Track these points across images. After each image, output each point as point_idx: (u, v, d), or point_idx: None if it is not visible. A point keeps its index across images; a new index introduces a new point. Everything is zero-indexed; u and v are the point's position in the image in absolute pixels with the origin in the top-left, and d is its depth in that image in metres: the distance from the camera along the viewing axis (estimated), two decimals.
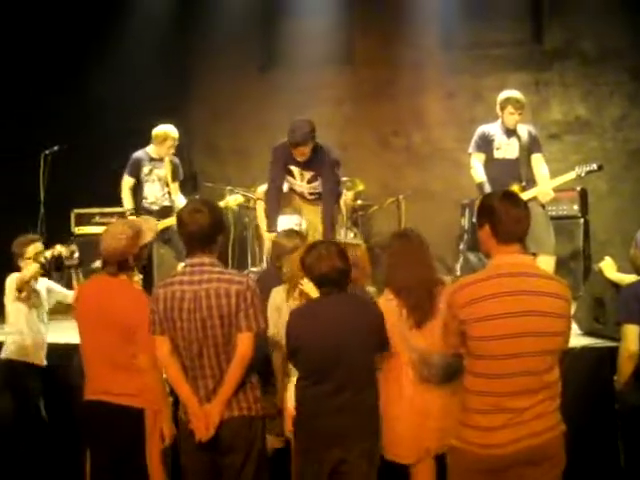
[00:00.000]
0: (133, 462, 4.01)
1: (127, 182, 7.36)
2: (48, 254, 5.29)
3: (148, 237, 4.24)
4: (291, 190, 6.57)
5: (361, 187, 8.05)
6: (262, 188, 6.65)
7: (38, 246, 5.43)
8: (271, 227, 6.41)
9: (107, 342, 4.01)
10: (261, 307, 3.73)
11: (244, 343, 3.65)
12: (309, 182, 6.44)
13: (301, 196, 6.61)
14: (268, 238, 6.38)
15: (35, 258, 5.32)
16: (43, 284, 5.62)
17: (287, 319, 3.96)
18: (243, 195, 7.82)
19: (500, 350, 3.08)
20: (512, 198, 3.31)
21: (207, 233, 3.70)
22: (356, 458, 3.81)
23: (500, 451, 3.09)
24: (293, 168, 6.42)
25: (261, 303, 3.73)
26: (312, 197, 6.56)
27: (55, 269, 5.37)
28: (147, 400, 3.98)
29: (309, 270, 3.93)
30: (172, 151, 7.39)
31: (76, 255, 5.43)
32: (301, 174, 6.44)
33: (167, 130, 7.33)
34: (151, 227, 5.23)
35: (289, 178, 6.49)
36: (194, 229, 3.68)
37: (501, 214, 3.20)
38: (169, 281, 3.76)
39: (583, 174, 6.49)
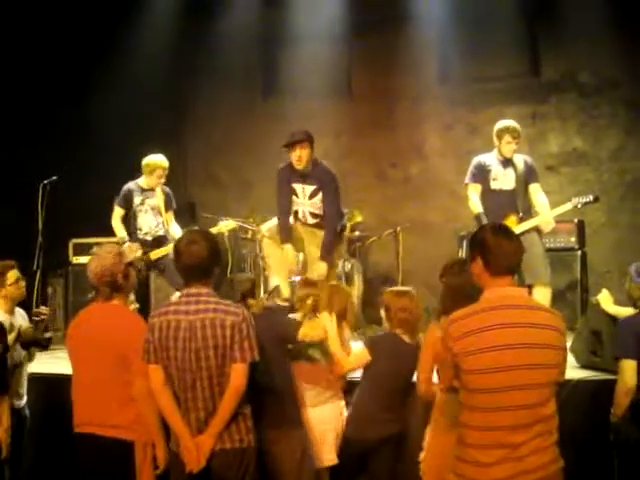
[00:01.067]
0: None
1: (117, 213, 7.34)
2: (10, 337, 5.02)
3: (131, 256, 4.27)
4: (295, 218, 6.61)
5: (359, 218, 8.06)
6: (267, 225, 6.71)
7: (16, 272, 5.31)
8: (284, 240, 6.58)
9: (100, 371, 4.00)
10: (256, 339, 3.73)
11: (238, 374, 3.67)
12: (311, 197, 6.54)
13: (303, 222, 6.66)
14: (285, 250, 6.59)
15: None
16: (19, 317, 5.30)
17: None
18: (240, 225, 7.82)
19: (494, 383, 3.06)
20: (504, 231, 3.31)
21: (204, 265, 3.74)
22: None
23: None
24: (295, 185, 6.56)
25: (255, 335, 3.74)
26: (314, 220, 6.61)
27: (23, 348, 5.16)
28: (137, 432, 3.97)
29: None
30: (162, 181, 7.35)
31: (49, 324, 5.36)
32: (302, 189, 6.55)
33: (156, 160, 7.30)
34: (132, 249, 5.29)
35: (293, 199, 6.60)
36: (191, 261, 3.73)
37: (493, 247, 3.20)
38: (164, 310, 3.79)
39: (579, 205, 6.50)
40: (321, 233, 6.55)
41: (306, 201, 6.57)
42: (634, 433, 4.16)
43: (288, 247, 6.52)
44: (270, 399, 4.13)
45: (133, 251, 4.57)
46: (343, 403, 4.67)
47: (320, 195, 6.51)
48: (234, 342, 3.64)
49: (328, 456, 4.52)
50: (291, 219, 6.70)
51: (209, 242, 3.79)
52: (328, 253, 6.46)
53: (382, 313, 4.69)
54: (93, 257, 4.16)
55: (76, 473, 4.17)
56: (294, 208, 6.64)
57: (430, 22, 9.03)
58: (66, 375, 4.41)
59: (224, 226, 7.37)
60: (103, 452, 3.99)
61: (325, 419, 4.53)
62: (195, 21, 9.53)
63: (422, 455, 4.16)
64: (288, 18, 9.49)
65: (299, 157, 6.43)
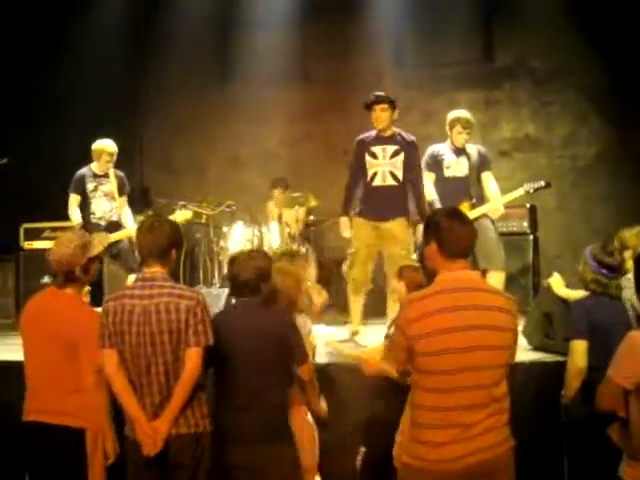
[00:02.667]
0: None
1: (73, 200, 7.26)
2: None
3: (96, 250, 4.20)
4: (372, 181, 6.46)
5: (314, 203, 8.03)
6: None
7: None
8: (344, 212, 6.62)
9: (50, 358, 3.94)
10: (210, 323, 3.75)
11: (192, 359, 3.68)
12: (392, 157, 6.41)
13: (376, 191, 6.46)
14: (341, 221, 6.65)
15: None
16: None
17: None
18: (195, 210, 7.77)
19: (448, 365, 3.10)
20: (458, 215, 3.36)
21: (164, 246, 3.76)
22: (261, 460, 3.86)
23: (450, 466, 3.11)
24: (375, 148, 6.45)
25: (210, 319, 3.76)
26: (393, 181, 6.41)
27: None
28: (88, 420, 3.92)
29: (229, 274, 4.10)
30: (111, 165, 7.28)
31: None
32: (383, 150, 6.43)
33: (102, 145, 7.24)
34: (101, 241, 5.19)
35: (372, 162, 6.46)
36: (151, 241, 3.75)
37: (448, 231, 3.24)
38: (120, 294, 3.79)
39: (531, 191, 6.57)
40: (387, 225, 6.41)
41: (387, 161, 6.42)
42: (584, 414, 4.20)
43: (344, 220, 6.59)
44: (262, 415, 3.92)
45: (101, 244, 4.52)
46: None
47: (402, 156, 6.39)
48: (188, 326, 3.65)
49: None
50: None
51: (171, 225, 3.87)
52: (422, 216, 6.28)
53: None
54: (57, 241, 4.10)
55: (26, 462, 4.13)
56: (372, 171, 6.46)
57: (385, 7, 9.03)
58: (15, 362, 4.35)
59: (181, 215, 7.31)
60: (54, 440, 3.95)
61: None
62: (152, 6, 9.44)
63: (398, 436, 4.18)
64: (244, 3, 9.42)
65: (377, 117, 6.39)
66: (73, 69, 8.81)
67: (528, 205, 7.87)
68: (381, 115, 6.38)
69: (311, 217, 8.32)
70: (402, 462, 3.30)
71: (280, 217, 8.17)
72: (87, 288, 5.60)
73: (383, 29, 9.17)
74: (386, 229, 6.39)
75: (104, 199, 7.29)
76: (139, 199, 9.36)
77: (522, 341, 5.35)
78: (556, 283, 5.43)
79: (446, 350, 3.10)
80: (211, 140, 9.72)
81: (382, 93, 6.46)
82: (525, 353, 5.34)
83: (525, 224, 7.92)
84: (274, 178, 8.51)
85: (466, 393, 3.11)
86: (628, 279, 4.69)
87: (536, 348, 5.58)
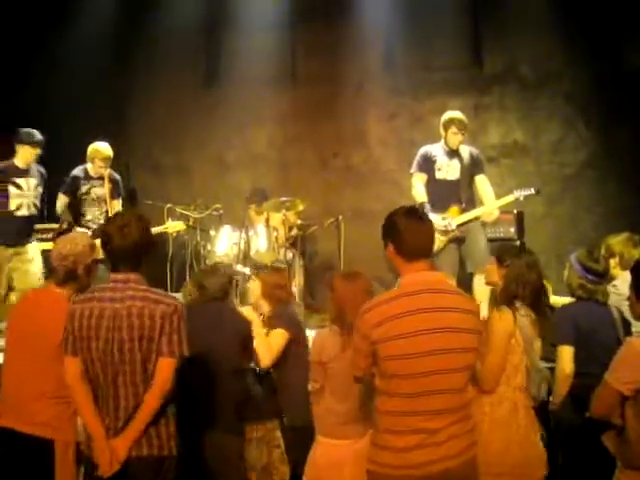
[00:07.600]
0: None
1: (61, 200, 7.24)
2: None
3: (101, 254, 4.06)
4: None
5: (301, 207, 7.97)
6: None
7: None
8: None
9: (30, 362, 3.86)
10: (186, 334, 3.42)
11: (164, 370, 3.35)
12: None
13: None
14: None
15: None
16: None
17: None
18: (182, 213, 7.72)
19: (412, 369, 3.04)
20: (415, 214, 3.26)
21: (136, 248, 3.45)
22: None
23: (415, 472, 3.04)
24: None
25: (186, 330, 3.43)
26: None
27: None
28: (59, 430, 3.80)
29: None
30: (103, 170, 7.22)
31: None
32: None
33: (97, 147, 7.22)
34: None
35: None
36: (122, 244, 3.42)
37: (404, 231, 3.16)
38: (88, 297, 3.47)
39: (521, 197, 6.57)
40: None
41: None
42: (575, 419, 4.18)
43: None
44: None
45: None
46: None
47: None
48: (163, 334, 3.32)
49: None
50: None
51: (141, 226, 3.49)
52: None
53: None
54: (64, 238, 4.01)
55: None
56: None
57: (375, 9, 8.98)
58: None
59: (173, 226, 7.24)
60: (21, 450, 3.83)
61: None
62: (139, 7, 9.37)
63: None
64: (231, 5, 9.39)
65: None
66: (60, 72, 8.74)
67: (515, 211, 7.85)
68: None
69: (298, 221, 8.27)
70: (367, 470, 3.18)
71: (267, 221, 8.12)
72: None
73: (373, 32, 9.13)
74: None
75: (96, 203, 7.25)
76: (126, 201, 9.31)
77: None
78: None
79: (410, 354, 3.03)
80: (198, 142, 9.67)
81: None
82: None
83: (512, 230, 7.89)
84: (250, 192, 8.40)
85: (431, 398, 3.05)
86: (614, 286, 4.71)
87: None
